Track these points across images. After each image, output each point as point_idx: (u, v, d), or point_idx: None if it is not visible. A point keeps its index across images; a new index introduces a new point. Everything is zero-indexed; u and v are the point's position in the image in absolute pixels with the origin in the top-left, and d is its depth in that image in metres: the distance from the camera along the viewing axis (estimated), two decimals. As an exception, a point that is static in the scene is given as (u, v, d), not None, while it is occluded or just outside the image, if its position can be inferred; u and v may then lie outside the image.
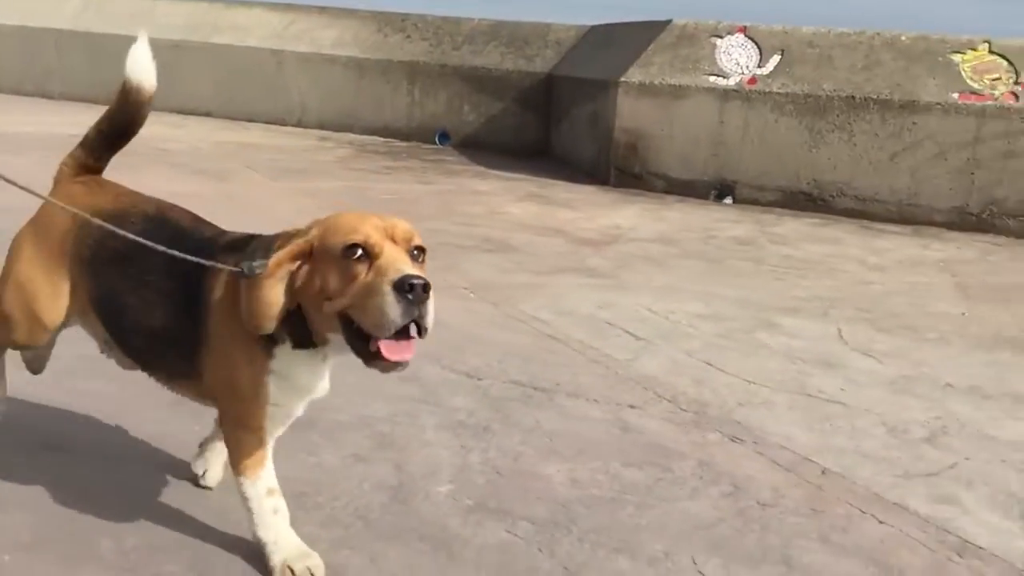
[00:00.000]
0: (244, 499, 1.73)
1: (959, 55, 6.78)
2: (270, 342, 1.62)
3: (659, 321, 3.70)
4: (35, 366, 2.09)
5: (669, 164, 7.28)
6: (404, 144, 9.16)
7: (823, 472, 2.39)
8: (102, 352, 1.97)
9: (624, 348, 3.30)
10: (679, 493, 2.21)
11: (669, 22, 7.60)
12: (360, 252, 1.49)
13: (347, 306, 1.50)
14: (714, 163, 7.16)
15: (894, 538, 2.06)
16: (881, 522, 2.13)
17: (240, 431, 1.71)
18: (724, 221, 6.24)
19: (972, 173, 6.54)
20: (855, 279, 4.77)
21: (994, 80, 6.61)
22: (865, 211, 6.77)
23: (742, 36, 7.30)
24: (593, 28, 9.16)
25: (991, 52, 6.76)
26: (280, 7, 10.13)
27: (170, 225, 1.80)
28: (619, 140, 7.41)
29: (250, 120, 9.80)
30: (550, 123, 9.01)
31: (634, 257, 4.93)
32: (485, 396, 2.74)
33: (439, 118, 9.41)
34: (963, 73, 6.69)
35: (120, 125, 1.92)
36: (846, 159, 6.82)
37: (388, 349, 1.47)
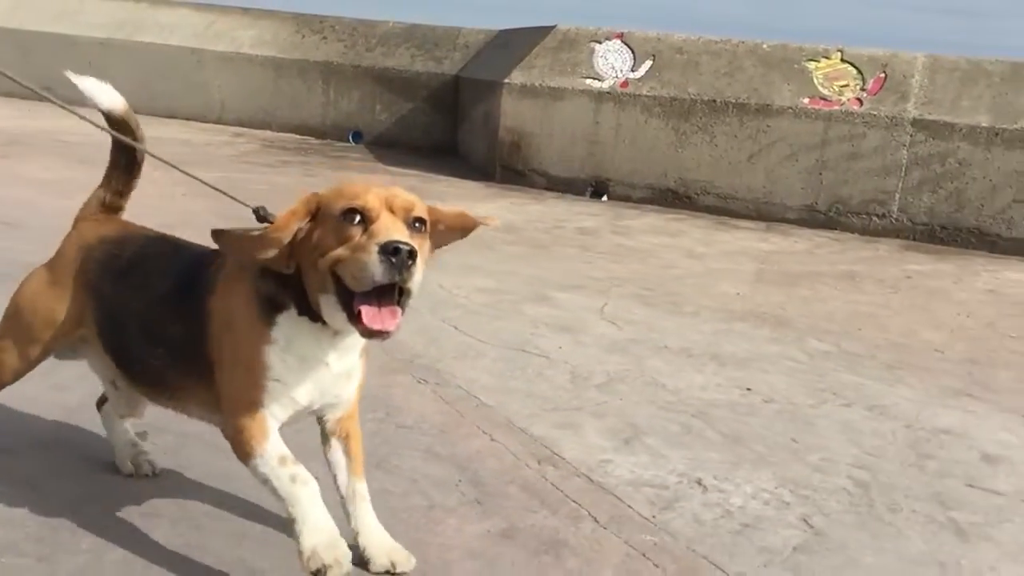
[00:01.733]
0: (263, 483, 1.69)
1: (814, 63, 7.23)
2: (271, 309, 1.68)
3: (440, 293, 4.08)
4: (142, 469, 2.17)
5: (549, 162, 7.69)
6: (317, 142, 9.54)
7: (477, 405, 2.78)
8: (105, 392, 2.12)
9: (384, 312, 3.68)
10: (334, 417, 2.59)
11: (554, 27, 8.02)
12: (358, 217, 1.58)
13: (336, 259, 1.57)
14: (590, 161, 7.58)
15: (490, 450, 2.45)
16: (493, 440, 2.52)
17: (239, 414, 1.70)
18: (583, 214, 6.65)
19: (820, 173, 6.98)
20: (663, 264, 5.18)
21: (842, 87, 7.05)
22: (726, 208, 7.19)
23: (619, 42, 7.73)
24: (500, 33, 9.58)
25: (843, 60, 7.20)
26: (203, 7, 10.51)
27: (171, 241, 1.98)
28: (504, 139, 7.82)
29: (172, 116, 10.14)
30: (457, 123, 9.42)
31: (465, 242, 5.30)
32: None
33: (352, 117, 9.79)
34: (815, 80, 7.13)
35: (122, 151, 2.10)
36: (708, 159, 7.24)
37: (367, 314, 1.55)
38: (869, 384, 3.30)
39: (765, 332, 3.90)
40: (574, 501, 2.20)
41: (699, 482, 2.38)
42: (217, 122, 10.04)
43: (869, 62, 7.15)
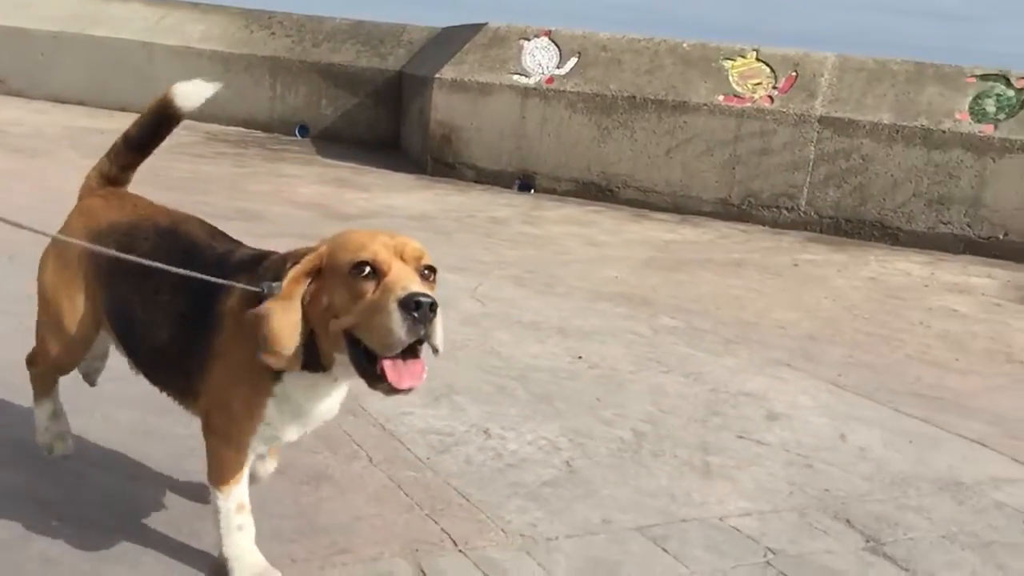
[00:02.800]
0: (214, 511, 1.75)
1: (730, 61, 7.49)
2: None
3: (323, 272, 4.30)
4: (90, 378, 2.24)
5: (478, 155, 7.92)
6: (263, 135, 9.75)
7: (309, 367, 3.00)
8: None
9: (258, 287, 3.91)
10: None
11: (485, 24, 8.27)
12: (368, 270, 1.50)
13: (353, 324, 1.50)
14: (517, 155, 7.82)
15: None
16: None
17: (223, 446, 1.72)
18: (502, 206, 6.88)
19: (734, 168, 7.24)
20: (558, 251, 5.42)
21: (756, 85, 7.31)
22: (646, 201, 7.45)
23: (546, 39, 7.98)
24: (442, 30, 9.81)
25: (758, 59, 7.47)
26: (154, 2, 10.70)
27: (183, 240, 1.86)
28: (435, 132, 8.05)
29: (122, 110, 10.29)
30: (400, 118, 9.65)
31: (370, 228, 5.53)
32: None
33: (299, 111, 10.01)
34: (730, 78, 7.40)
35: (146, 134, 2.04)
36: (629, 153, 7.50)
37: (392, 372, 1.48)
38: (698, 355, 3.55)
39: (623, 310, 4.14)
40: (357, 444, 2.43)
41: (486, 431, 2.61)
42: (166, 115, 10.23)
43: (782, 61, 7.41)
